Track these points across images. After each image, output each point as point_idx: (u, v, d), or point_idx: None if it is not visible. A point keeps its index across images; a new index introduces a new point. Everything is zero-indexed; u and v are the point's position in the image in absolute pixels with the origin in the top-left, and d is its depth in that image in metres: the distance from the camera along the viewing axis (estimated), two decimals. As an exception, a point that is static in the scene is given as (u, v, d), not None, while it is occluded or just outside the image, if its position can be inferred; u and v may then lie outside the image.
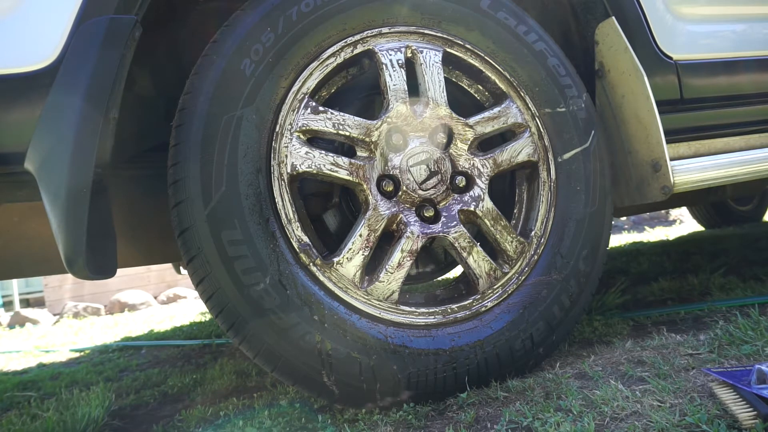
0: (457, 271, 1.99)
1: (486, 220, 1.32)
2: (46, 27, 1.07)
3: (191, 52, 1.36)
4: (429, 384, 1.20)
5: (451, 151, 1.32)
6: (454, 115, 1.31)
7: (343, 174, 1.22)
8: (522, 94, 1.39)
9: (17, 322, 6.27)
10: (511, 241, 1.33)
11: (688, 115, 1.61)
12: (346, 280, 1.19)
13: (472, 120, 1.34)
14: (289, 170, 1.19)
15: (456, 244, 1.29)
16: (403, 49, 1.30)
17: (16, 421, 1.71)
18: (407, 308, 1.24)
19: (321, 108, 1.23)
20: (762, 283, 1.94)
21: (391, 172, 1.26)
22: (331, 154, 1.22)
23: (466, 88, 1.44)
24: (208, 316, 3.99)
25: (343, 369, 1.15)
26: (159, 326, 4.18)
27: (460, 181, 1.32)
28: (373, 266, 1.25)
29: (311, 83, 1.24)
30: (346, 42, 1.26)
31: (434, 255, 1.67)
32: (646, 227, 7.85)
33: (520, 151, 1.37)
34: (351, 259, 1.20)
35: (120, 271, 1.74)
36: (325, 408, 1.33)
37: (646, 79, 1.44)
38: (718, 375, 1.02)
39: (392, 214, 1.24)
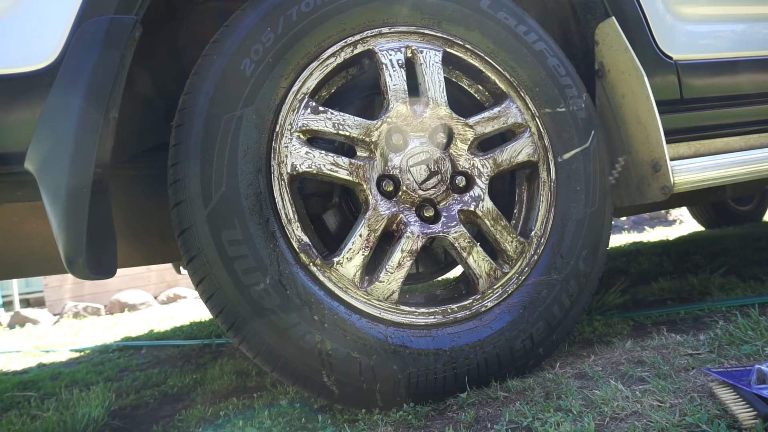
0: (457, 271, 1.98)
1: (486, 220, 1.32)
2: (46, 27, 1.07)
3: (191, 52, 1.36)
4: (429, 384, 1.20)
5: (451, 151, 1.32)
6: (454, 115, 1.31)
7: (343, 174, 1.22)
8: (522, 94, 1.39)
9: (17, 322, 6.27)
10: (511, 241, 1.33)
11: (688, 115, 1.61)
12: (346, 280, 1.19)
13: (472, 120, 1.34)
14: (289, 170, 1.19)
15: (456, 244, 1.29)
16: (403, 49, 1.30)
17: (16, 421, 1.71)
18: (407, 308, 1.24)
19: (321, 108, 1.23)
20: (762, 283, 1.94)
21: (391, 172, 1.26)
22: (331, 154, 1.22)
23: (466, 88, 1.44)
24: (208, 316, 3.99)
25: (343, 369, 1.15)
26: (159, 326, 4.18)
27: (460, 181, 1.32)
28: (373, 266, 1.25)
29: (311, 83, 1.24)
30: (346, 42, 1.26)
31: (434, 255, 1.67)
32: (646, 227, 7.85)
33: (520, 151, 1.37)
34: (351, 259, 1.20)
35: (120, 271, 1.74)
36: (325, 408, 1.33)
37: (646, 79, 1.44)
38: (718, 375, 1.02)
39: (392, 214, 1.24)
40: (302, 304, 1.14)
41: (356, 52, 1.28)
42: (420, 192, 1.27)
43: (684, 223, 7.67)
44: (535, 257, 1.35)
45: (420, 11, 1.33)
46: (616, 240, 5.40)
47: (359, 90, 1.41)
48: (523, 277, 1.33)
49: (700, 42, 1.64)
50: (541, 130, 1.39)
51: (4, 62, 1.04)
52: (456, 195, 1.32)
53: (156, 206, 1.64)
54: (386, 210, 1.24)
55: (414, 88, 1.30)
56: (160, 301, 7.34)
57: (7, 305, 8.52)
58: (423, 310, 1.25)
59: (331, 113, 1.23)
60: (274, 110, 1.19)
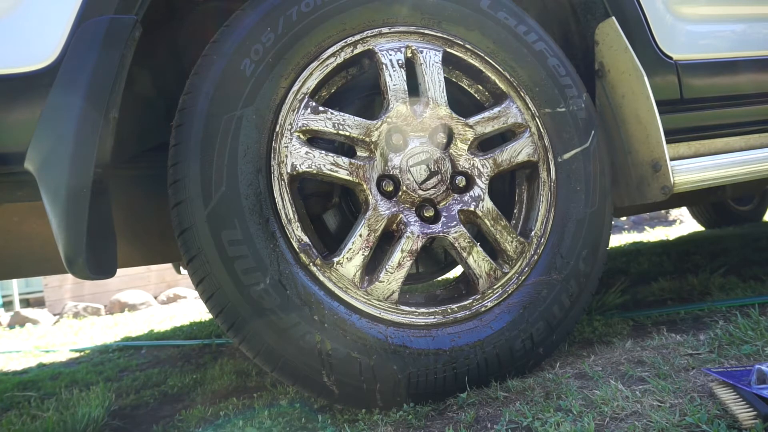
0: (457, 271, 1.98)
1: (486, 220, 1.32)
2: (46, 27, 1.07)
3: (191, 52, 1.36)
4: (429, 384, 1.20)
5: (451, 151, 1.32)
6: (454, 115, 1.31)
7: (343, 174, 1.22)
8: (522, 94, 1.39)
9: (17, 322, 6.27)
10: (511, 241, 1.33)
11: (688, 115, 1.61)
12: (346, 280, 1.19)
13: (472, 120, 1.34)
14: (289, 170, 1.19)
15: (456, 244, 1.29)
16: (403, 49, 1.30)
17: (16, 421, 1.71)
18: (407, 308, 1.24)
19: (321, 108, 1.23)
20: (762, 283, 1.94)
21: (391, 172, 1.26)
22: (331, 154, 1.22)
23: (466, 88, 1.44)
24: (208, 316, 3.99)
25: (343, 369, 1.15)
26: (159, 326, 4.18)
27: (460, 181, 1.32)
28: (373, 266, 1.25)
29: (311, 83, 1.24)
30: (346, 42, 1.26)
31: (434, 255, 1.67)
32: (646, 227, 7.85)
33: (520, 151, 1.37)
34: (351, 259, 1.20)
35: (120, 271, 1.74)
36: (325, 408, 1.33)
37: (646, 79, 1.44)
38: (718, 375, 1.02)
39: (392, 214, 1.24)
40: (302, 304, 1.14)
41: (356, 52, 1.28)
42: (420, 192, 1.27)
43: (684, 223, 7.67)
44: (535, 257, 1.35)
45: (420, 11, 1.33)
46: (616, 240, 5.40)
47: (359, 90, 1.41)
48: (523, 277, 1.33)
49: (700, 42, 1.64)
50: (541, 130, 1.39)
51: (4, 62, 1.04)
52: (456, 195, 1.32)
53: (156, 206, 1.64)
54: (386, 210, 1.24)
55: (414, 88, 1.30)
56: (160, 301, 7.34)
57: (7, 305, 8.52)
58: (423, 310, 1.25)
59: (331, 113, 1.23)
60: (274, 110, 1.19)
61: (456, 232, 1.28)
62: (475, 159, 1.33)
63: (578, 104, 1.42)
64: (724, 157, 1.58)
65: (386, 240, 1.28)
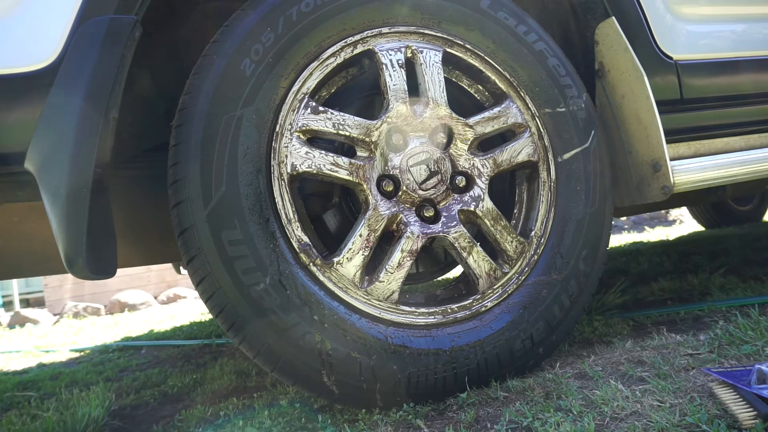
0: (457, 271, 1.98)
1: (486, 220, 1.32)
2: (46, 27, 1.07)
3: (191, 52, 1.36)
4: (429, 384, 1.20)
5: (451, 151, 1.32)
6: (454, 115, 1.31)
7: (343, 174, 1.22)
8: (522, 94, 1.39)
9: (17, 322, 6.27)
10: (511, 241, 1.33)
11: (688, 115, 1.61)
12: (346, 280, 1.19)
13: (472, 120, 1.34)
14: (289, 170, 1.19)
15: (456, 244, 1.29)
16: (403, 49, 1.30)
17: (16, 421, 1.71)
18: (407, 308, 1.24)
19: (321, 108, 1.23)
20: (762, 283, 1.94)
21: (391, 172, 1.26)
22: (331, 154, 1.22)
23: (466, 88, 1.44)
24: (208, 316, 3.99)
25: (343, 369, 1.15)
26: (159, 326, 4.18)
27: (460, 181, 1.32)
28: (373, 266, 1.25)
29: (311, 83, 1.24)
30: (346, 42, 1.26)
31: (434, 255, 1.67)
32: (646, 227, 7.85)
33: (520, 151, 1.37)
34: (351, 259, 1.20)
35: (120, 271, 1.74)
36: (325, 408, 1.33)
37: (646, 79, 1.44)
38: (718, 375, 1.02)
39: (392, 214, 1.24)
40: (302, 304, 1.14)
41: (356, 52, 1.28)
42: (420, 192, 1.27)
43: (684, 223, 7.67)
44: (535, 257, 1.35)
45: (420, 11, 1.33)
46: (616, 240, 5.40)
47: (359, 90, 1.41)
48: (523, 277, 1.33)
49: (700, 42, 1.64)
50: (541, 130, 1.39)
51: (4, 62, 1.04)
52: (456, 195, 1.32)
53: (156, 206, 1.64)
54: (386, 210, 1.24)
55: (414, 88, 1.30)
56: (160, 301, 7.34)
57: (7, 305, 8.53)
58: (423, 310, 1.25)
59: (331, 113, 1.23)
60: (274, 110, 1.19)
61: (456, 232, 1.28)
62: (475, 159, 1.33)
63: (578, 104, 1.42)
64: (724, 157, 1.58)
65: (386, 240, 1.28)
